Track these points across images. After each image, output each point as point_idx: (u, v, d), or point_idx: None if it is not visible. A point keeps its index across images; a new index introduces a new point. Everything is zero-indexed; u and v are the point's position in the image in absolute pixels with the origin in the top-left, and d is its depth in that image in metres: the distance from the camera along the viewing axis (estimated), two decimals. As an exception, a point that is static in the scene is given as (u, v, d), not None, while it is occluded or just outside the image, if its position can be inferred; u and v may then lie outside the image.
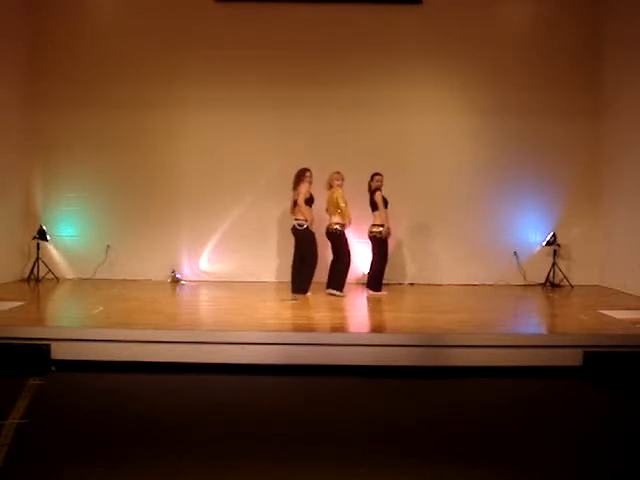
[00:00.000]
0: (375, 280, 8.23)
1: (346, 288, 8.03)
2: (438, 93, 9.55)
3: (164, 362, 5.38)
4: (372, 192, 8.13)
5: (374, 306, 7.74)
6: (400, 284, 9.31)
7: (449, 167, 9.48)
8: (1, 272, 8.77)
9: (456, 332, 5.90)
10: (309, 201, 7.87)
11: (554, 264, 9.34)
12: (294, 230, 7.90)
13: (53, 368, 5.31)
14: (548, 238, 9.35)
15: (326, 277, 8.10)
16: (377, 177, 8.15)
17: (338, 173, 8.01)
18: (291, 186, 7.96)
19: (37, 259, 9.11)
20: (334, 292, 7.89)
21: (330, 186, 8.01)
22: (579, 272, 9.43)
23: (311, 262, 7.83)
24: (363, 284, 8.90)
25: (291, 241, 8.03)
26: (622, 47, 8.84)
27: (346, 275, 8.03)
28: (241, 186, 9.41)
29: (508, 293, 8.83)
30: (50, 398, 4.75)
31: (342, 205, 7.87)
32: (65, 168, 9.49)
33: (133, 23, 9.46)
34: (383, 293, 8.16)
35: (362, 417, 4.47)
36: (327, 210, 8.08)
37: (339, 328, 6.45)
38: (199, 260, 9.56)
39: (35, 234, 9.16)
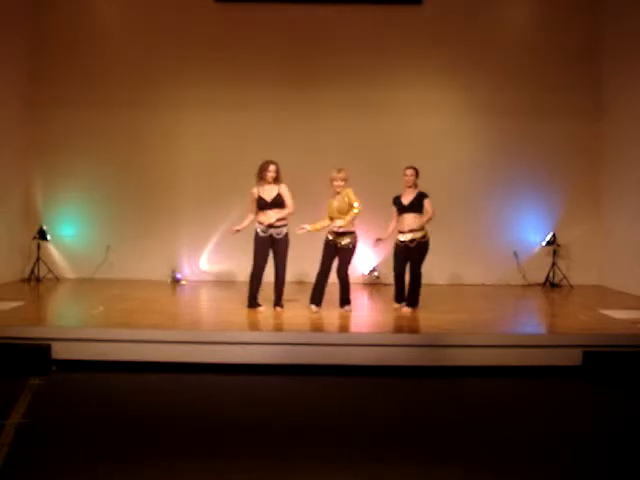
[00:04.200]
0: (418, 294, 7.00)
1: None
2: (438, 94, 9.54)
3: (164, 362, 5.38)
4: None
5: (374, 306, 7.75)
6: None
7: (449, 167, 9.47)
8: (1, 272, 8.77)
9: (456, 332, 5.91)
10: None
11: (554, 264, 9.34)
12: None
13: (54, 368, 5.32)
14: (548, 238, 9.35)
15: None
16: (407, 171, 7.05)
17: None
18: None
19: (37, 259, 9.11)
20: (349, 308, 6.90)
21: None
22: (579, 272, 9.42)
23: None
24: (366, 285, 8.92)
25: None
26: (622, 47, 8.83)
27: None
28: (241, 185, 9.37)
29: (508, 293, 8.82)
30: (50, 398, 4.76)
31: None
32: (65, 168, 9.48)
33: (134, 24, 9.46)
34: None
35: (362, 417, 4.47)
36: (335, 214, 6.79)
37: (339, 328, 6.45)
38: (199, 260, 9.57)
39: (35, 234, 9.17)
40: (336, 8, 9.41)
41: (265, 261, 6.86)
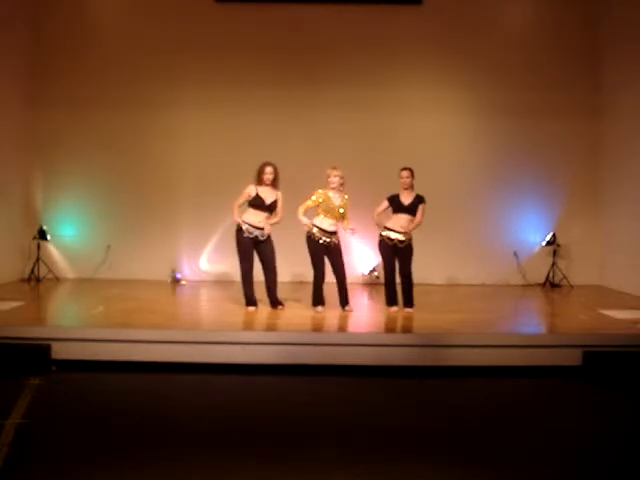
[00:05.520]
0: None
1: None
2: (438, 93, 9.53)
3: (164, 362, 5.38)
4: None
5: (374, 306, 7.74)
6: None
7: (449, 167, 9.46)
8: (1, 272, 8.75)
9: (456, 332, 5.91)
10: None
11: (554, 264, 9.34)
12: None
13: (53, 368, 5.32)
14: (548, 238, 9.35)
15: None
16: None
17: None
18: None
19: (37, 259, 9.11)
20: (349, 308, 6.95)
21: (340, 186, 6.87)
22: (579, 272, 9.42)
23: None
24: (366, 285, 8.91)
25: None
26: (622, 46, 8.83)
27: None
28: (241, 185, 9.37)
29: (508, 293, 8.82)
30: (50, 398, 4.76)
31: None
32: (65, 168, 9.47)
33: (134, 23, 9.45)
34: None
35: (362, 417, 4.47)
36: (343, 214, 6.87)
37: (339, 328, 6.45)
38: (199, 260, 9.56)
39: (35, 234, 9.17)
40: (336, 8, 9.41)
41: (253, 258, 6.84)
